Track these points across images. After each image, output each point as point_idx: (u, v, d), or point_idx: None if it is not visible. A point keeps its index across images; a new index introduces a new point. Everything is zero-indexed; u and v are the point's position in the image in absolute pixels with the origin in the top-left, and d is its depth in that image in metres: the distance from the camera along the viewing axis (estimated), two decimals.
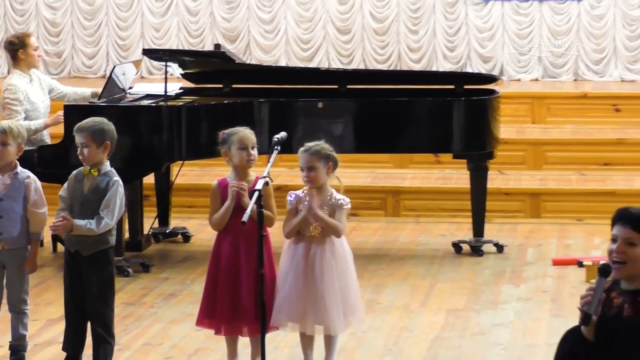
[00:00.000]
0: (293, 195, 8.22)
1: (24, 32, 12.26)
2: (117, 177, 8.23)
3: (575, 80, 15.39)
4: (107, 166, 8.27)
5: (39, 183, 8.43)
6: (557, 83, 15.31)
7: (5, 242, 8.29)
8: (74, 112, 10.43)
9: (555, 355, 5.83)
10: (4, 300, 8.43)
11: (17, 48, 11.44)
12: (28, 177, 8.37)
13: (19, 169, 8.36)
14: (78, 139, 8.28)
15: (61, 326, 8.56)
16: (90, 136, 8.19)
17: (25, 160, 9.67)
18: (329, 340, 8.24)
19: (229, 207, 8.11)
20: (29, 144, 10.54)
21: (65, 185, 8.35)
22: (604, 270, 5.72)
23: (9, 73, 11.69)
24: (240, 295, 8.09)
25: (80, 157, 8.27)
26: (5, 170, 8.30)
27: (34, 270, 8.44)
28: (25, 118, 11.14)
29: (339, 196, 8.18)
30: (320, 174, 8.11)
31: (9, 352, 8.37)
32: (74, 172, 8.36)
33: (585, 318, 5.60)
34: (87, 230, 8.10)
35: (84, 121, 8.37)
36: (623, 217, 5.94)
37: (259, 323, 7.70)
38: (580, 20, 15.41)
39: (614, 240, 5.84)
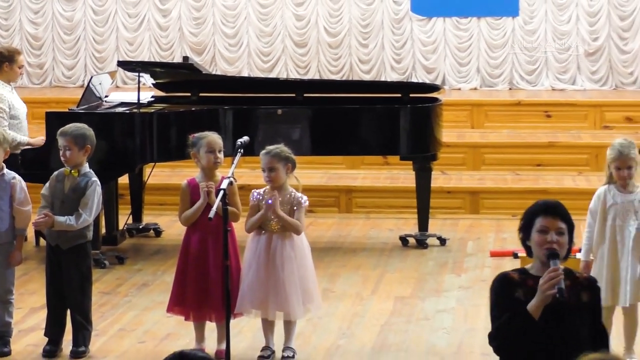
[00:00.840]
0: (255, 194, 8.25)
1: (16, 48, 12.13)
2: (95, 178, 8.26)
3: (510, 89, 15.43)
4: (86, 167, 8.30)
5: (23, 183, 8.41)
6: (493, 92, 15.34)
7: None
8: (54, 118, 10.40)
9: (495, 334, 5.80)
10: None
11: (4, 61, 11.32)
12: (14, 177, 8.35)
13: (5, 170, 8.34)
14: (61, 142, 8.28)
15: (43, 314, 8.56)
16: (73, 140, 8.23)
17: (10, 162, 9.66)
18: (289, 326, 8.27)
19: (200, 205, 8.14)
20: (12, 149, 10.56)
21: (47, 184, 8.36)
22: (554, 255, 5.78)
23: None
24: (207, 285, 8.11)
25: (62, 159, 8.30)
26: None
27: (20, 262, 8.43)
28: (10, 124, 11.09)
29: (297, 194, 8.21)
30: (280, 174, 8.14)
31: None
32: (55, 172, 8.37)
33: (560, 293, 5.65)
34: (67, 225, 8.11)
35: (67, 126, 8.40)
36: (550, 210, 5.98)
37: (225, 310, 7.73)
38: (514, 35, 15.45)
39: (543, 231, 5.88)
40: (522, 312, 5.66)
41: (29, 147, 11.03)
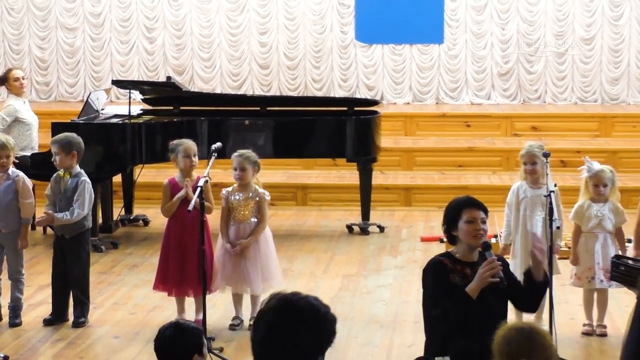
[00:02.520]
0: (225, 191, 8.26)
1: (8, 68, 12.06)
2: (84, 177, 8.28)
3: (436, 103, 15.46)
4: (77, 169, 8.32)
5: (27, 180, 8.38)
6: (423, 105, 15.36)
7: (3, 226, 8.25)
8: (58, 127, 10.31)
9: (450, 311, 5.80)
10: (5, 272, 8.39)
11: (2, 83, 11.49)
12: (17, 175, 8.35)
13: (11, 170, 8.31)
14: (52, 149, 8.35)
15: (49, 290, 8.51)
16: (61, 147, 8.27)
17: (21, 163, 9.64)
18: (254, 299, 8.27)
19: (179, 197, 8.15)
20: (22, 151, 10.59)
21: (48, 186, 8.37)
22: (489, 246, 5.82)
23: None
24: (186, 266, 8.10)
25: (54, 163, 8.30)
26: (3, 173, 8.27)
27: (26, 246, 8.40)
28: (20, 132, 11.08)
29: (261, 190, 8.22)
30: (248, 174, 8.17)
31: (9, 311, 8.31)
32: (53, 175, 8.37)
33: (502, 280, 5.69)
34: (64, 220, 8.16)
35: (57, 136, 8.49)
36: (475, 203, 6.01)
37: (201, 287, 7.71)
38: (440, 59, 15.50)
39: (471, 221, 5.90)
40: (464, 296, 5.72)
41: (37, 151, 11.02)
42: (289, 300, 3.71)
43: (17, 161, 8.91)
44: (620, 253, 7.85)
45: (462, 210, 5.90)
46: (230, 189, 8.25)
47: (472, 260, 5.95)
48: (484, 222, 5.91)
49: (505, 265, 5.98)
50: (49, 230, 10.49)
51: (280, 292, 3.70)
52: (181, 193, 8.13)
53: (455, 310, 5.68)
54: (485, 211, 5.95)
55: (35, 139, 11.37)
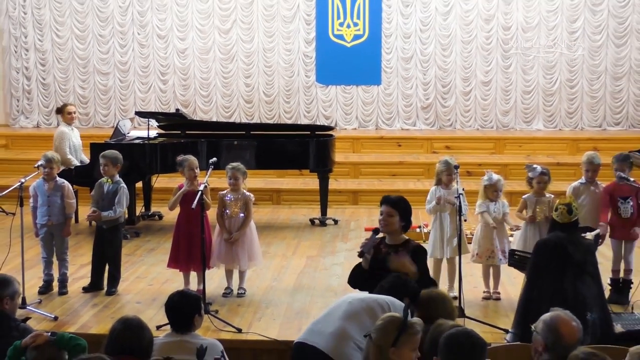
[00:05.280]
0: (220, 194, 8.24)
1: (65, 103, 12.02)
2: (123, 184, 8.23)
3: (376, 128, 15.48)
4: (116, 177, 8.25)
5: (69, 185, 8.36)
6: (366, 130, 15.39)
7: (53, 219, 8.19)
8: (96, 147, 10.28)
9: (348, 278, 5.96)
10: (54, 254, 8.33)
11: (59, 112, 11.44)
12: (63, 182, 8.30)
13: (57, 178, 8.27)
14: (102, 161, 8.29)
15: (89, 267, 8.46)
16: (109, 160, 8.23)
17: (66, 173, 9.58)
18: (242, 274, 8.26)
19: (178, 197, 8.15)
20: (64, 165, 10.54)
21: (94, 189, 8.34)
22: (376, 230, 5.87)
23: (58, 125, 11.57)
24: (191, 250, 8.06)
25: (102, 172, 8.27)
26: (51, 180, 8.22)
27: (69, 234, 8.36)
28: (70, 151, 11.04)
29: (247, 193, 8.21)
30: (239, 181, 8.19)
31: (58, 282, 8.26)
32: (98, 181, 8.33)
33: (361, 254, 5.74)
34: (109, 217, 8.10)
35: (106, 152, 8.41)
36: (386, 200, 6.09)
37: (202, 264, 7.68)
38: (379, 96, 15.54)
39: (381, 213, 5.98)
40: (360, 263, 5.96)
41: (80, 164, 10.95)
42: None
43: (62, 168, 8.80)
44: (508, 235, 7.96)
45: (381, 205, 6.09)
46: (224, 192, 8.24)
47: (396, 243, 5.99)
48: (389, 215, 6.00)
49: (419, 254, 5.97)
50: (93, 222, 10.42)
51: None
52: (179, 193, 8.16)
53: (352, 273, 6.11)
54: (393, 206, 6.02)
55: (81, 157, 11.30)
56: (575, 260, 6.12)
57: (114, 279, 8.22)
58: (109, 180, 8.22)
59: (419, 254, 5.96)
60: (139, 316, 4.87)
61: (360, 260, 5.99)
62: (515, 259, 7.49)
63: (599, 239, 7.64)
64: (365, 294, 5.37)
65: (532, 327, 4.46)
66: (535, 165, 8.06)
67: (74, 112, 11.42)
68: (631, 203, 7.85)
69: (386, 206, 6.02)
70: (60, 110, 11.45)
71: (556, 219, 6.36)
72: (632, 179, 7.89)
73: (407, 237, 6.11)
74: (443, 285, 7.97)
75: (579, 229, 6.52)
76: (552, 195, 7.92)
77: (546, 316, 4.43)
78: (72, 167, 10.79)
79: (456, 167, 7.90)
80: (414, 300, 5.07)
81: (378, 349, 4.19)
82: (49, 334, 4.83)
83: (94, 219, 8.32)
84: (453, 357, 4.06)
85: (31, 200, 8.26)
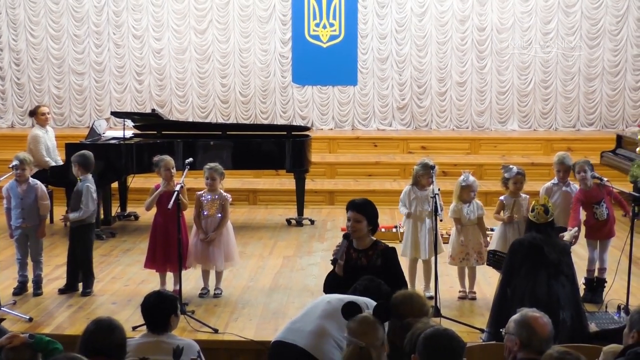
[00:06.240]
0: (198, 194, 8.20)
1: (38, 104, 11.95)
2: (88, 183, 8.18)
3: (352, 129, 15.49)
4: (87, 177, 8.19)
5: (43, 186, 8.30)
6: (342, 131, 15.39)
7: (27, 222, 8.13)
8: (72, 148, 10.19)
9: (323, 286, 5.95)
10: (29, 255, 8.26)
11: (32, 115, 11.37)
12: (36, 183, 8.24)
13: (30, 180, 8.20)
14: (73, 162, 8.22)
15: (64, 268, 8.40)
16: (77, 163, 8.18)
17: (41, 174, 9.50)
18: (218, 274, 8.23)
19: (153, 198, 8.10)
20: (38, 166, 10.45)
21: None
22: (346, 235, 5.86)
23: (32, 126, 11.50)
24: (168, 250, 8.01)
25: (74, 173, 8.20)
26: (23, 182, 8.14)
27: (44, 236, 8.30)
28: (46, 154, 10.99)
29: (224, 193, 8.18)
30: (217, 182, 8.16)
31: (32, 284, 8.21)
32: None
33: (334, 261, 5.73)
34: (76, 217, 8.08)
35: (76, 154, 8.32)
36: (352, 206, 6.08)
37: (178, 265, 7.64)
38: (355, 96, 15.55)
39: (349, 219, 5.96)
40: (334, 270, 5.90)
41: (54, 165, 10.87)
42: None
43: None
44: (483, 238, 7.97)
45: (347, 210, 6.08)
46: (202, 192, 8.20)
47: (365, 247, 5.99)
48: (357, 221, 6.00)
49: (389, 256, 5.98)
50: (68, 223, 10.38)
51: None
52: (155, 193, 8.12)
53: (327, 278, 6.07)
54: (360, 212, 6.01)
55: (56, 158, 11.22)
56: (551, 260, 6.15)
57: (88, 279, 8.16)
58: (80, 180, 8.19)
59: (389, 255, 5.97)
60: (113, 317, 4.84)
61: (334, 267, 5.98)
62: (494, 259, 7.56)
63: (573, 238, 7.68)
64: (343, 295, 5.37)
65: (502, 331, 4.50)
66: (511, 166, 8.09)
67: (48, 113, 11.35)
68: (605, 205, 7.91)
69: (352, 212, 6.02)
70: (33, 113, 11.38)
71: (532, 219, 6.39)
72: (605, 179, 7.93)
73: (374, 239, 6.10)
74: (419, 286, 7.99)
75: (555, 229, 6.55)
76: (528, 196, 7.96)
77: (515, 317, 4.49)
78: (48, 168, 10.70)
79: (432, 167, 7.92)
80: (387, 301, 5.09)
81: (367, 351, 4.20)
82: (27, 335, 4.79)
83: (64, 220, 8.33)
84: (431, 357, 4.06)
85: (5, 201, 8.20)
